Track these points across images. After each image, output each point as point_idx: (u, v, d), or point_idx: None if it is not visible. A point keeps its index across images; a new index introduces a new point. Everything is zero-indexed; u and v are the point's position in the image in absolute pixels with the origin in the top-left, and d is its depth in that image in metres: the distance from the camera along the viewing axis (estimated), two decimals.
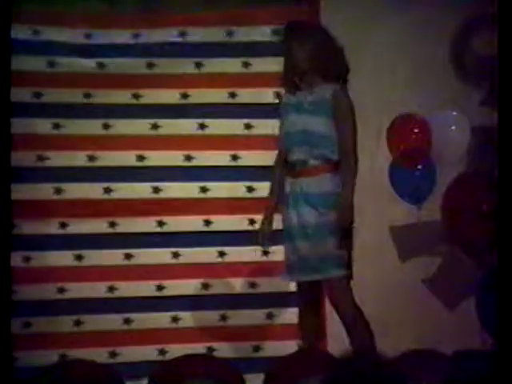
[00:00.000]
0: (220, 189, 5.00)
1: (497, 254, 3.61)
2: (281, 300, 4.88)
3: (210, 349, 4.82)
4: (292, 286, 4.84)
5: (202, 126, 5.03)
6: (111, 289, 4.86)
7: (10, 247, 3.87)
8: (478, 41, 4.95)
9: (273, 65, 5.02)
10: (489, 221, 4.37)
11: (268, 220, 4.04)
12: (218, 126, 5.03)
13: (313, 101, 3.93)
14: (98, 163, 4.95)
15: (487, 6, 4.83)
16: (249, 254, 4.93)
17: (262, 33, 5.06)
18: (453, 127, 4.71)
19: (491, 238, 4.45)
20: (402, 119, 4.72)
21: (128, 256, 4.91)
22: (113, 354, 4.80)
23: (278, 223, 4.86)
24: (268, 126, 5.01)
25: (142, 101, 5.02)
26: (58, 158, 4.91)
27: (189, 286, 4.89)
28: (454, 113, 4.70)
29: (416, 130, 4.70)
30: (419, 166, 4.72)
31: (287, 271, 3.99)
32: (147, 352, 4.79)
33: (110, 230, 4.91)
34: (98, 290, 4.83)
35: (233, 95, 5.05)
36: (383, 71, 4.99)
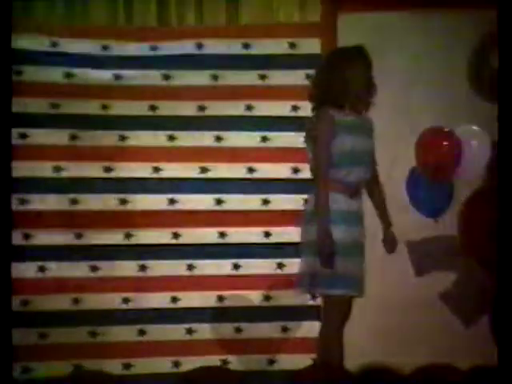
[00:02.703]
0: (235, 201, 5.00)
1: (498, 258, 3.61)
2: (296, 313, 4.89)
3: (225, 361, 4.82)
4: (307, 300, 4.90)
5: (218, 139, 5.04)
6: (126, 300, 4.86)
7: (11, 255, 3.88)
8: (496, 56, 4.93)
9: (289, 78, 5.07)
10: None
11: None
12: (234, 139, 5.04)
13: (363, 123, 3.94)
14: (113, 174, 4.96)
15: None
16: (264, 266, 4.94)
17: (279, 46, 5.07)
18: (473, 142, 4.69)
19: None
20: (431, 132, 4.71)
21: (143, 267, 4.91)
22: (127, 366, 4.80)
23: (292, 236, 4.95)
24: (284, 139, 5.05)
25: (159, 112, 5.03)
26: (75, 169, 4.93)
27: (203, 298, 4.89)
28: (475, 127, 4.68)
29: (445, 143, 4.69)
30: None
31: (325, 284, 3.88)
32: (161, 364, 4.79)
33: (126, 242, 4.92)
34: (112, 301, 4.83)
35: (249, 108, 5.06)
36: (402, 86, 4.99)
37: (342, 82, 3.87)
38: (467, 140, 4.70)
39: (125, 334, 4.82)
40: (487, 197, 4.59)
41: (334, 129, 3.84)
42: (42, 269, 4.81)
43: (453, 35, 4.93)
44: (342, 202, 3.85)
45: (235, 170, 5.01)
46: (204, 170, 5.01)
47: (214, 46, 5.08)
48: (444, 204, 4.68)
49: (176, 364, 4.81)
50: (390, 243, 3.99)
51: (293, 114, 5.05)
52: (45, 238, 4.81)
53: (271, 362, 4.86)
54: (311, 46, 5.05)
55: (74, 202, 4.90)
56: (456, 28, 4.93)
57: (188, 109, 5.04)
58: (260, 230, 4.97)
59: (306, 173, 5.00)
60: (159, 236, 4.92)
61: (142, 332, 4.85)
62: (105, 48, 5.02)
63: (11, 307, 3.86)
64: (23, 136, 4.87)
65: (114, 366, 4.65)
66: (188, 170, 4.99)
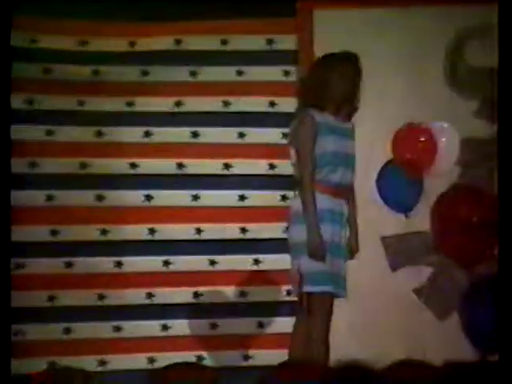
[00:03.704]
0: (212, 197, 5.00)
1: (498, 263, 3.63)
2: (271, 309, 4.90)
3: (200, 357, 4.82)
4: (283, 296, 4.92)
5: (195, 135, 5.04)
6: (101, 297, 4.86)
7: (10, 254, 3.88)
8: (472, 53, 4.97)
9: (266, 74, 5.08)
10: (478, 232, 4.39)
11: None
12: (211, 135, 5.05)
13: (345, 126, 3.97)
14: (89, 170, 4.95)
15: (481, 19, 4.89)
16: (240, 262, 4.95)
17: (257, 42, 5.08)
18: (443, 139, 4.72)
19: (480, 249, 4.50)
20: (409, 128, 4.74)
21: (118, 264, 4.91)
22: (102, 362, 4.80)
23: (268, 232, 4.97)
24: (261, 135, 5.06)
25: (136, 108, 5.03)
26: (50, 165, 4.92)
27: (179, 295, 4.89)
28: (445, 124, 4.71)
29: (422, 139, 4.72)
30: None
31: (312, 282, 3.88)
32: (136, 360, 4.79)
33: (102, 238, 4.91)
34: (87, 297, 4.83)
35: (226, 104, 5.06)
36: (377, 83, 5.00)
37: (326, 85, 3.89)
38: (438, 137, 4.73)
39: (100, 330, 4.82)
40: (457, 194, 4.63)
41: (315, 130, 3.86)
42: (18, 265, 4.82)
43: (429, 32, 4.95)
44: (326, 202, 3.87)
45: (212, 166, 5.02)
46: (180, 166, 5.02)
47: (192, 42, 5.08)
48: (414, 200, 4.72)
49: (151, 360, 4.80)
50: (352, 249, 4.00)
51: (270, 109, 5.07)
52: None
53: (246, 357, 4.87)
54: (288, 42, 5.07)
55: (50, 198, 4.90)
56: (432, 24, 4.95)
57: (165, 105, 5.04)
58: (236, 226, 4.98)
59: (282, 169, 5.06)
60: (135, 232, 4.92)
61: (117, 328, 4.84)
62: (83, 44, 5.02)
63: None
64: None
65: (89, 363, 4.65)
66: (164, 166, 4.99)
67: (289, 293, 4.91)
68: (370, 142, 4.92)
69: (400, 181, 4.78)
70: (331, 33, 4.98)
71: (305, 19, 5.04)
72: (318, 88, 3.90)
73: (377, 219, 4.90)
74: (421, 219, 4.77)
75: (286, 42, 5.07)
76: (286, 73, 5.07)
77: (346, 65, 3.93)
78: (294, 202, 3.92)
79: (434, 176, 4.77)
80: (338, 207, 3.89)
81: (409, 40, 4.93)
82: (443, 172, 4.79)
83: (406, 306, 4.86)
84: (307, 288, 3.85)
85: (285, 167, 5.05)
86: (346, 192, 3.92)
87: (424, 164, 4.74)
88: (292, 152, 3.95)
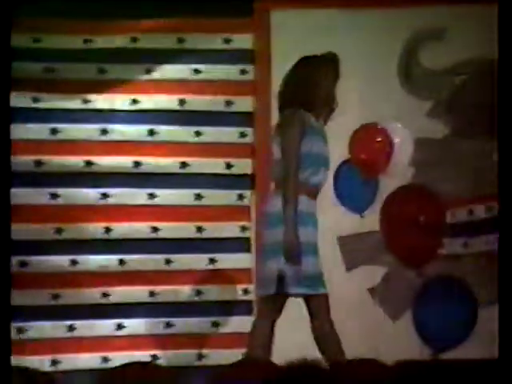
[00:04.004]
0: (168, 196, 4.99)
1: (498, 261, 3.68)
2: (227, 308, 4.91)
3: (155, 357, 4.81)
4: (238, 295, 4.93)
5: (152, 133, 5.03)
6: (55, 296, 4.83)
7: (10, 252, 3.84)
8: (426, 54, 5.02)
9: (223, 73, 5.08)
10: (426, 232, 4.44)
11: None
12: (168, 133, 5.03)
13: (323, 128, 4.01)
14: (45, 168, 4.91)
15: (435, 21, 4.94)
16: (196, 261, 4.95)
17: (214, 41, 5.08)
18: (397, 139, 4.76)
19: (428, 249, 4.55)
20: (365, 128, 4.77)
21: (74, 262, 4.88)
22: (54, 362, 4.78)
23: (224, 231, 4.97)
24: (218, 134, 5.06)
25: (92, 106, 5.00)
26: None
27: (134, 294, 4.88)
28: (398, 125, 4.75)
29: (378, 140, 4.76)
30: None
31: (282, 284, 3.87)
32: (90, 360, 4.76)
33: (57, 236, 4.88)
34: (41, 297, 4.80)
35: (182, 102, 5.05)
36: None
37: (312, 87, 3.94)
38: (393, 137, 4.77)
39: (54, 329, 4.79)
40: (405, 194, 4.67)
41: (304, 130, 3.87)
42: None
43: (384, 33, 4.98)
44: (305, 204, 3.89)
45: (168, 165, 5.00)
46: (137, 164, 5.00)
47: (149, 41, 5.07)
48: (369, 200, 4.75)
49: (105, 359, 4.78)
50: None
51: (227, 109, 5.07)
52: None
53: (201, 357, 4.87)
54: (245, 41, 5.07)
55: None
56: (387, 26, 4.98)
57: (121, 102, 5.02)
58: (193, 224, 4.98)
59: (239, 168, 5.08)
60: (91, 231, 4.90)
61: (70, 327, 4.82)
62: (37, 41, 4.98)
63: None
64: None
65: (41, 363, 4.63)
66: (120, 164, 4.97)
67: (245, 292, 4.94)
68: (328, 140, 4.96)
69: (356, 181, 4.81)
70: (288, 33, 5.01)
71: (262, 19, 5.05)
72: (304, 89, 3.93)
73: (333, 219, 4.93)
74: (375, 219, 4.80)
75: (243, 42, 5.08)
76: (243, 72, 5.07)
77: (330, 66, 3.99)
78: (272, 204, 3.91)
79: (388, 176, 4.81)
80: (313, 208, 3.94)
81: (364, 41, 4.96)
82: (398, 172, 4.83)
83: (360, 305, 4.90)
84: (295, 290, 3.84)
85: (241, 166, 5.09)
86: (317, 193, 3.97)
87: (380, 164, 4.77)
88: (276, 150, 3.95)
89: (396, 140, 4.72)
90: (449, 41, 4.95)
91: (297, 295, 3.90)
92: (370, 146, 4.75)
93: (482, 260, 4.95)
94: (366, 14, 4.98)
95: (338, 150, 4.79)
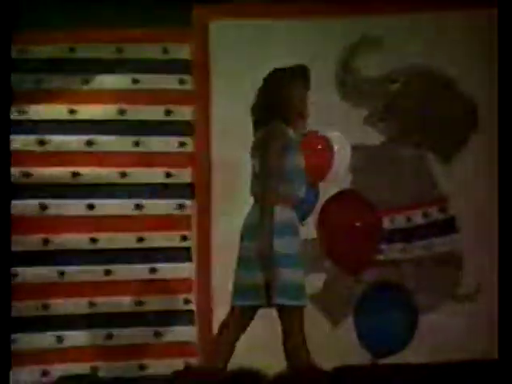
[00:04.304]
0: (107, 206, 4.95)
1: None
2: (168, 318, 4.89)
3: (95, 368, 4.77)
4: (180, 304, 4.92)
5: (90, 143, 4.99)
6: None
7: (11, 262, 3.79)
8: (362, 63, 5.08)
9: (162, 82, 5.08)
10: (362, 238, 4.48)
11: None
12: (106, 143, 5.00)
13: (299, 140, 4.07)
14: None
15: (371, 30, 5.01)
16: (136, 272, 4.93)
17: (152, 51, 5.07)
18: (336, 146, 4.81)
19: (365, 255, 4.60)
20: (306, 136, 4.80)
21: (13, 275, 4.77)
22: None
23: (164, 241, 4.95)
24: (157, 144, 5.05)
25: (28, 116, 4.96)
26: None
27: (74, 305, 4.83)
28: (336, 133, 4.80)
29: (320, 147, 4.80)
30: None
31: (259, 295, 3.87)
32: (30, 372, 4.70)
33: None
34: None
35: (122, 112, 5.03)
36: None
37: (289, 99, 3.97)
38: (332, 144, 4.81)
39: None
40: (343, 200, 4.71)
41: (286, 144, 3.90)
42: None
43: (320, 42, 5.03)
44: (287, 214, 3.93)
45: (107, 175, 4.98)
46: (75, 174, 4.96)
47: (87, 50, 5.04)
48: (310, 207, 4.78)
49: (45, 372, 4.73)
50: None
51: (166, 118, 5.07)
52: None
53: (142, 367, 4.84)
54: (183, 51, 5.08)
55: None
56: (324, 35, 5.03)
57: (58, 112, 4.99)
58: (132, 235, 4.96)
59: (178, 177, 5.07)
60: (30, 242, 4.85)
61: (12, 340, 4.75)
62: None
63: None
64: None
65: None
66: (59, 175, 4.93)
67: (186, 301, 4.93)
68: None
69: None
70: (226, 43, 5.03)
71: (200, 29, 5.06)
72: (280, 102, 3.96)
73: None
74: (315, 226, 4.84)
75: (182, 51, 5.08)
76: (182, 81, 5.08)
77: (301, 78, 4.03)
78: (251, 213, 3.93)
79: (328, 183, 4.86)
80: (295, 219, 3.97)
81: (301, 50, 5.00)
82: (337, 179, 4.88)
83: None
84: (280, 301, 3.84)
85: (181, 176, 5.09)
86: (296, 204, 4.01)
87: (321, 171, 4.82)
88: (256, 164, 3.96)
89: (335, 147, 4.77)
90: (384, 49, 5.03)
91: (272, 306, 3.88)
92: (311, 153, 4.79)
93: (420, 265, 5.03)
94: (302, 23, 5.02)
95: None
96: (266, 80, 4.07)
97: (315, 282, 4.97)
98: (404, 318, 4.62)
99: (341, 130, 4.81)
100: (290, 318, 3.91)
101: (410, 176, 5.09)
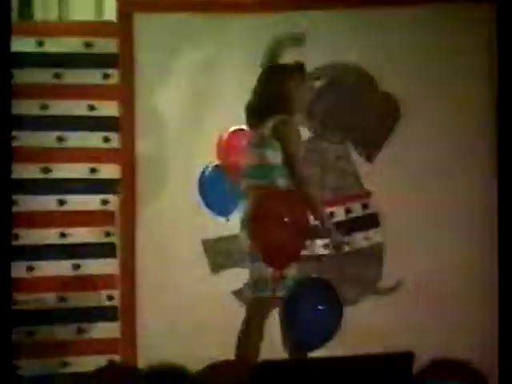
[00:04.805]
0: (30, 202, 4.89)
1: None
2: (92, 314, 4.86)
3: (15, 366, 4.66)
4: (103, 301, 4.88)
5: (12, 138, 4.91)
6: None
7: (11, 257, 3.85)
8: (286, 59, 5.08)
9: (85, 77, 5.01)
10: (289, 233, 4.51)
11: None
12: (29, 138, 4.93)
13: None
14: None
15: (294, 26, 5.05)
16: (58, 267, 4.88)
17: (74, 44, 5.00)
18: None
19: (291, 250, 4.63)
20: (231, 132, 4.80)
21: None
22: None
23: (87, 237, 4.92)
24: (80, 139, 5.00)
25: None
26: None
27: None
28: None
29: (245, 143, 4.79)
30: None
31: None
32: None
33: None
34: None
35: (44, 107, 4.94)
36: (198, 86, 5.06)
37: (289, 96, 4.15)
38: None
39: None
40: (269, 196, 4.73)
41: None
42: None
43: (245, 40, 5.02)
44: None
45: (30, 171, 4.91)
46: (46, 170, 4.91)
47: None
48: (235, 203, 4.80)
49: None
50: None
51: (89, 113, 5.01)
52: None
53: (64, 364, 4.80)
54: (107, 45, 5.03)
55: None
56: (248, 31, 5.02)
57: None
58: (55, 230, 4.90)
59: (103, 173, 5.03)
60: None
61: None
62: None
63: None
64: None
65: None
66: (30, 170, 4.87)
67: (110, 298, 4.90)
68: (192, 145, 4.99)
69: (221, 185, 4.85)
70: (151, 36, 5.00)
71: (125, 22, 5.02)
72: (284, 98, 4.13)
73: (198, 222, 4.96)
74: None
75: (106, 45, 5.03)
76: (106, 76, 5.03)
77: (300, 74, 4.22)
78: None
79: None
80: None
81: (227, 46, 5.00)
82: None
83: (225, 307, 4.93)
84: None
85: (106, 171, 5.04)
86: None
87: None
88: (271, 154, 4.12)
89: None
90: (307, 46, 5.06)
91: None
92: (236, 149, 4.81)
93: (345, 260, 5.09)
94: (229, 19, 5.01)
95: (202, 154, 4.85)
96: (264, 77, 4.23)
97: (240, 277, 5.00)
98: (328, 312, 4.66)
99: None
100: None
101: (334, 172, 5.14)
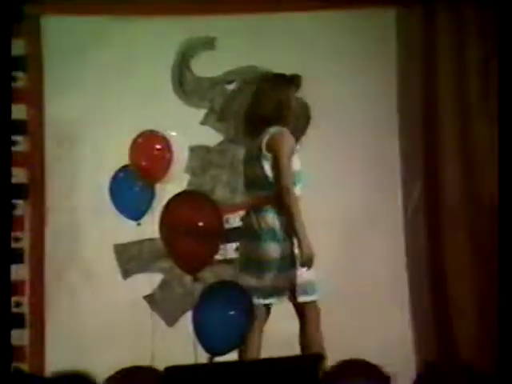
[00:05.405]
0: None
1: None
2: None
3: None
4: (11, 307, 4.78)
5: None
6: None
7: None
8: (197, 64, 5.10)
9: None
10: (201, 238, 4.50)
11: None
12: None
13: None
14: None
15: (206, 30, 5.05)
16: None
17: None
18: (174, 147, 4.81)
19: (204, 255, 4.63)
20: (145, 136, 4.77)
21: None
22: None
23: None
24: None
25: None
26: None
27: None
28: (173, 133, 4.81)
29: (158, 147, 4.77)
30: (139, 182, 4.79)
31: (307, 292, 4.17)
32: None
33: None
34: None
35: None
36: (101, 92, 5.03)
37: (286, 106, 4.15)
38: (171, 145, 4.81)
39: None
40: (186, 200, 4.73)
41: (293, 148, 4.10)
42: None
43: (156, 41, 5.02)
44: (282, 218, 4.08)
45: None
46: None
47: None
48: (146, 207, 4.77)
49: None
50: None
51: None
52: None
53: None
54: (16, 47, 4.93)
55: None
56: (159, 34, 5.02)
57: None
58: None
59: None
60: None
61: None
62: None
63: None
64: None
65: None
66: None
67: (17, 304, 4.81)
68: (103, 147, 4.95)
69: (133, 188, 4.81)
70: (59, 39, 4.95)
71: (32, 25, 4.95)
72: (280, 107, 4.13)
73: (109, 227, 4.92)
74: (152, 226, 4.82)
75: (14, 48, 4.94)
76: (14, 79, 4.94)
77: (297, 86, 4.21)
78: (263, 220, 4.07)
79: (166, 183, 4.86)
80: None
81: (137, 49, 4.98)
82: (174, 179, 4.89)
83: (136, 312, 4.90)
84: (305, 298, 4.10)
85: (14, 176, 4.94)
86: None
87: (158, 171, 4.81)
88: (266, 166, 4.11)
89: (173, 147, 4.78)
90: (219, 50, 5.07)
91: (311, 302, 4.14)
92: (150, 153, 4.78)
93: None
94: (138, 21, 4.99)
95: (114, 157, 4.80)
96: (261, 87, 4.24)
97: (151, 282, 4.98)
98: (241, 315, 4.67)
99: (178, 130, 4.83)
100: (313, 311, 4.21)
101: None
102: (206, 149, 5.13)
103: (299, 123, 5.11)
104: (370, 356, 3.55)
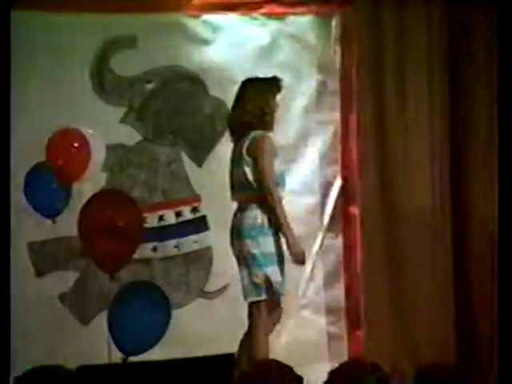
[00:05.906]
0: None
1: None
2: None
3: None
4: None
5: None
6: None
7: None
8: (117, 62, 5.08)
9: None
10: (121, 236, 4.49)
11: None
12: None
13: None
14: None
15: (127, 28, 5.03)
16: None
17: None
18: (91, 145, 4.78)
19: (123, 253, 4.62)
20: (62, 134, 4.73)
21: None
22: None
23: None
24: None
25: None
26: None
27: None
28: (91, 131, 4.78)
29: (76, 145, 4.74)
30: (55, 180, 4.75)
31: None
32: None
33: None
34: None
35: None
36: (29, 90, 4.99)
37: (267, 110, 4.20)
38: (88, 143, 4.79)
39: None
40: (102, 199, 4.70)
41: (276, 151, 4.17)
42: None
43: (75, 38, 4.97)
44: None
45: None
46: None
47: None
48: (62, 205, 4.74)
49: None
50: None
51: None
52: None
53: None
54: None
55: None
56: (78, 30, 4.98)
57: None
58: None
59: None
60: None
61: None
62: None
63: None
64: None
65: None
66: None
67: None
68: (19, 144, 4.85)
69: (48, 186, 4.78)
70: (28, 34, 4.90)
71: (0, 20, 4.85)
72: (261, 111, 4.18)
73: (24, 224, 4.86)
74: (69, 224, 4.78)
75: None
76: None
77: (275, 88, 4.26)
78: (250, 219, 4.11)
79: (83, 181, 4.83)
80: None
81: (55, 45, 4.94)
82: (91, 177, 4.86)
83: (50, 311, 4.87)
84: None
85: None
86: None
87: (75, 169, 4.78)
88: (246, 168, 4.14)
89: (91, 146, 4.75)
90: (139, 49, 5.05)
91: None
92: (67, 151, 4.74)
93: (173, 263, 5.11)
94: (59, 17, 4.95)
95: (30, 153, 4.75)
96: (241, 90, 4.24)
97: (66, 280, 4.94)
98: (156, 315, 4.67)
99: (96, 129, 4.80)
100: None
101: (165, 176, 5.15)
102: (125, 148, 5.11)
103: (215, 126, 5.14)
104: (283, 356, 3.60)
